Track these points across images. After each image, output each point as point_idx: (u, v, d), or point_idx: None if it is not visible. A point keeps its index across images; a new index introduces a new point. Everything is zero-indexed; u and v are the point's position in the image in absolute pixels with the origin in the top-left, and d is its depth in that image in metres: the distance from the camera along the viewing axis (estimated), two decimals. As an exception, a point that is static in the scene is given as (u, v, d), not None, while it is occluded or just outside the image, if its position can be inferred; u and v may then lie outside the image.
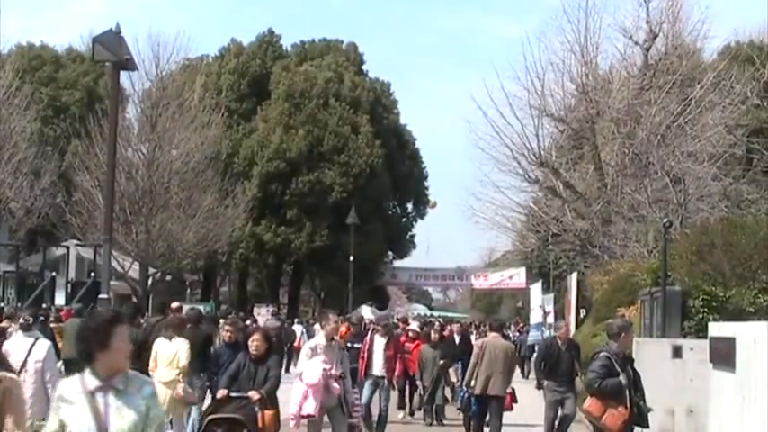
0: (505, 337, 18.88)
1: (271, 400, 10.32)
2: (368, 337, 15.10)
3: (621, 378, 9.58)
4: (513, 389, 15.20)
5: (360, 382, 14.47)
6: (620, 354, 9.80)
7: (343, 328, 19.26)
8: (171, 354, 11.99)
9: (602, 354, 9.84)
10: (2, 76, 40.20)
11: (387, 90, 60.72)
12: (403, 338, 18.21)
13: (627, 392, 9.59)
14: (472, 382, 13.96)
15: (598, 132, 34.75)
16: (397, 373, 15.15)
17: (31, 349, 9.81)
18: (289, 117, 53.34)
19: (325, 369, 10.98)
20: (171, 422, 12.07)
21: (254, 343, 10.60)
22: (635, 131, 32.86)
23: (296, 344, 32.88)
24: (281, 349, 31.75)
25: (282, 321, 34.36)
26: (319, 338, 11.55)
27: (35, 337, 10.19)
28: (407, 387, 18.80)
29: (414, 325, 20.13)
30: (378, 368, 14.71)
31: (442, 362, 18.28)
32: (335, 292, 56.97)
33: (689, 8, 35.96)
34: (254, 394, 10.10)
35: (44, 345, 10.05)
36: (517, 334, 41.00)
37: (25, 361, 9.72)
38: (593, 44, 35.26)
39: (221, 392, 10.32)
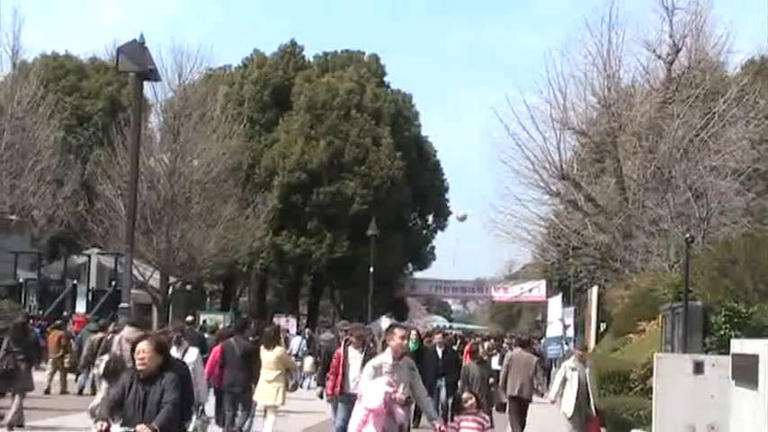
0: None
1: None
2: (341, 351, 13.60)
3: None
4: (604, 410, 14.97)
5: (333, 402, 13.59)
6: None
7: None
8: (271, 359, 14.86)
9: None
10: (26, 85, 40.51)
11: (408, 102, 60.71)
12: None
13: None
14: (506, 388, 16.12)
15: (620, 146, 34.67)
16: None
17: (183, 355, 12.68)
18: (310, 128, 53.45)
19: (387, 392, 9.43)
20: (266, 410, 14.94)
21: (140, 355, 7.86)
22: (657, 145, 32.76)
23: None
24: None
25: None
26: (385, 356, 9.97)
27: (185, 346, 13.17)
28: None
29: None
30: (354, 385, 12.94)
31: (491, 380, 16.67)
32: (355, 303, 56.93)
33: (712, 22, 35.93)
34: (143, 429, 7.48)
35: (194, 351, 13.14)
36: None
37: None
38: (615, 58, 35.27)
39: (99, 426, 7.73)
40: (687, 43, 35.95)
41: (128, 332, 13.07)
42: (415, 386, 9.93)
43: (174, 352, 12.54)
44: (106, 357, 14.23)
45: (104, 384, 13.67)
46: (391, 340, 9.91)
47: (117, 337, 13.37)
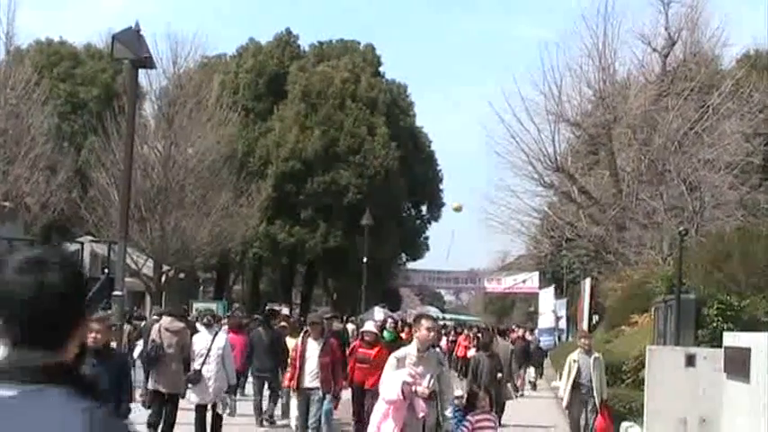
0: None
1: None
2: (299, 342, 13.19)
3: None
4: (608, 406, 14.77)
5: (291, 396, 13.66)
6: None
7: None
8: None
9: None
10: (20, 71, 40.33)
11: (403, 92, 60.71)
12: (357, 343, 15.55)
13: None
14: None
15: (614, 138, 34.66)
16: (338, 385, 13.24)
17: (213, 340, 13.23)
18: (305, 117, 53.40)
19: (407, 383, 8.95)
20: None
21: (93, 334, 8.07)
22: (651, 138, 32.78)
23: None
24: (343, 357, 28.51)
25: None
26: (410, 347, 9.46)
27: (215, 331, 13.64)
28: (355, 402, 15.06)
29: (369, 326, 16.20)
30: (309, 379, 12.82)
31: (499, 375, 15.66)
32: (348, 293, 56.95)
33: (708, 15, 35.94)
34: None
35: (222, 337, 13.61)
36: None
37: (209, 349, 13.08)
38: (611, 50, 35.22)
39: None
40: (683, 36, 35.99)
41: (166, 322, 13.58)
42: (441, 380, 9.43)
43: (207, 335, 13.45)
44: (140, 343, 15.53)
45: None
46: (418, 331, 9.43)
47: (156, 326, 13.75)
